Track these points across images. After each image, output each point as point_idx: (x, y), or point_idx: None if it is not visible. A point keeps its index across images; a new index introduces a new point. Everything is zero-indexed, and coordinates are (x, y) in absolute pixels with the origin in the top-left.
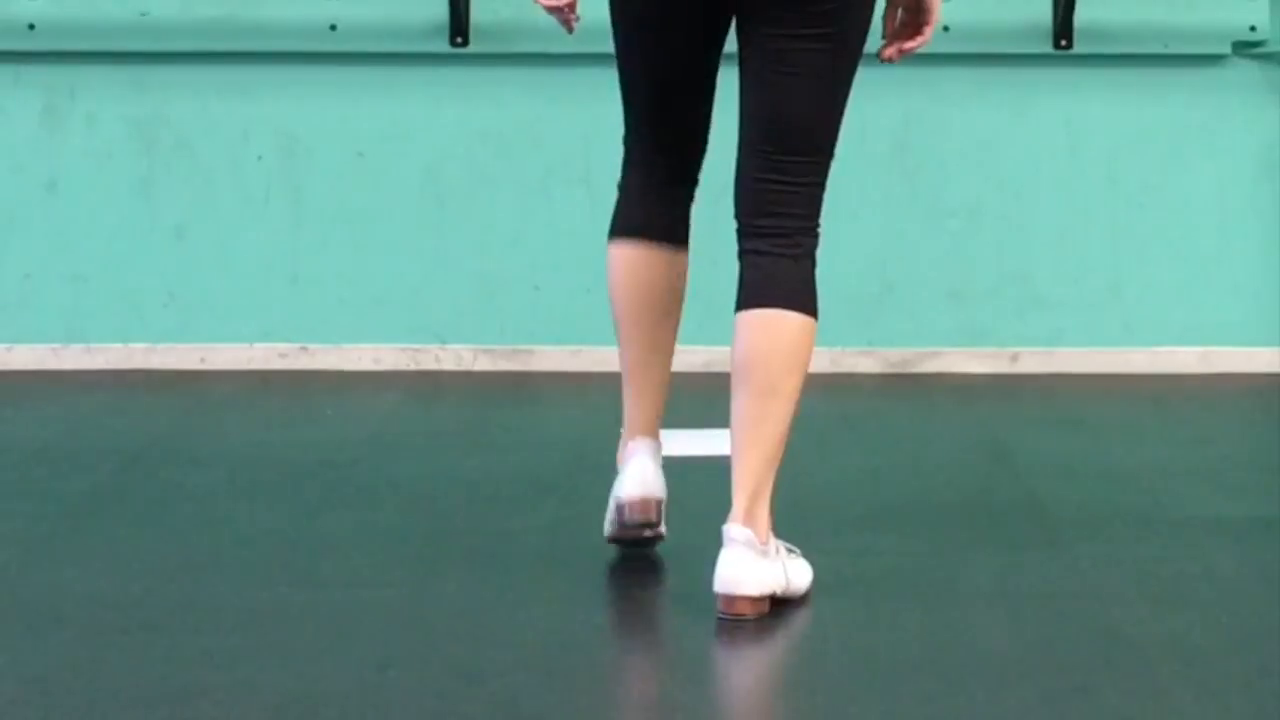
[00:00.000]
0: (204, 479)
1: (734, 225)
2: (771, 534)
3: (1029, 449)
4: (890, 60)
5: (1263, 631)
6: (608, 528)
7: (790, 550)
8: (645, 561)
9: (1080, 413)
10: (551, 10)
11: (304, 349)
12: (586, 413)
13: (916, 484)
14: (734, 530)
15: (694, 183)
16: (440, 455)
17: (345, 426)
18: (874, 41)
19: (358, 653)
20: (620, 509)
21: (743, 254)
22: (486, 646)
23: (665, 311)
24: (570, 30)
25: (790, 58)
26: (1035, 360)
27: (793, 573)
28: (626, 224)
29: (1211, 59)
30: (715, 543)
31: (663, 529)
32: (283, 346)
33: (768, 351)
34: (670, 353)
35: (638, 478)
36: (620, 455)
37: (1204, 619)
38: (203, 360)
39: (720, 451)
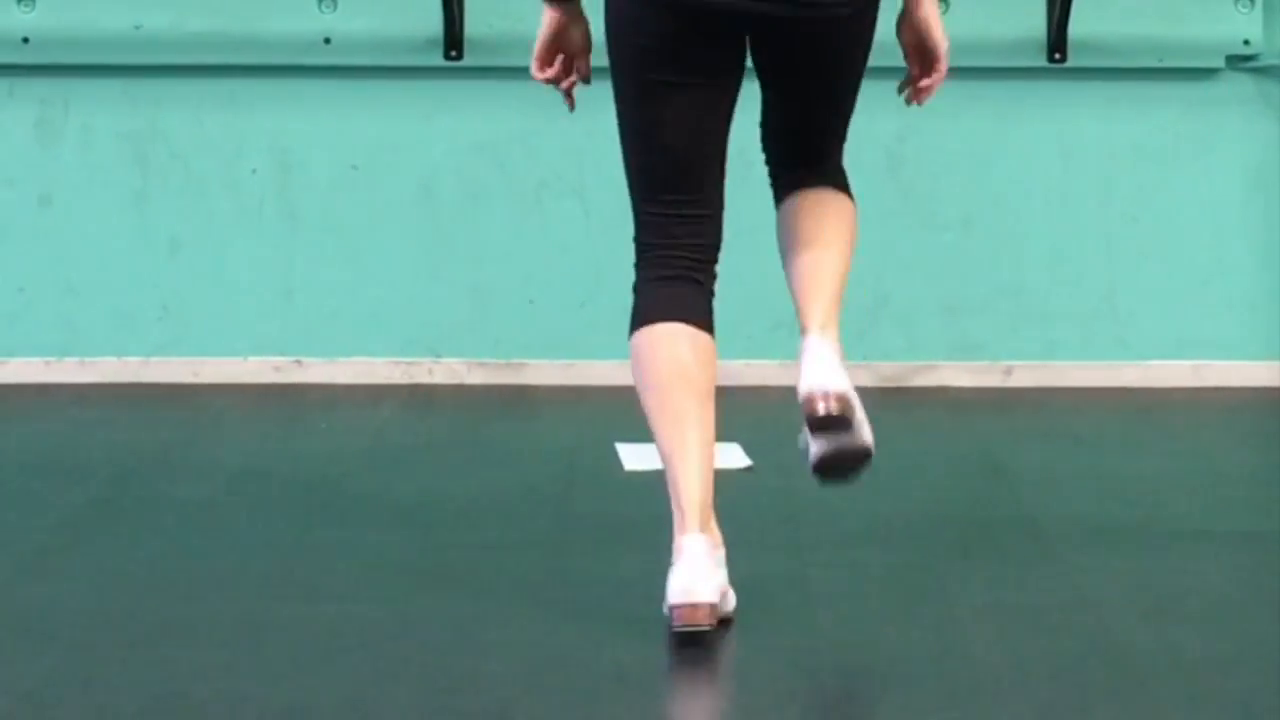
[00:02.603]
0: (197, 493)
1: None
2: None
3: (1022, 462)
4: (913, 102)
5: (1256, 645)
6: (666, 609)
7: None
8: (638, 575)
9: (1074, 426)
10: (547, 82)
11: (298, 362)
12: (580, 427)
13: (910, 497)
14: (815, 340)
15: (713, 272)
16: (433, 469)
17: (339, 440)
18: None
19: (350, 666)
20: (670, 611)
21: (777, 188)
22: (478, 659)
23: (698, 387)
24: (571, 107)
25: (811, 85)
26: (1029, 374)
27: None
28: (650, 311)
29: (1205, 73)
30: None
31: (730, 606)
32: (276, 360)
33: (807, 211)
34: (710, 433)
35: (683, 584)
36: (674, 550)
37: (1197, 632)
38: (196, 374)
39: (723, 465)
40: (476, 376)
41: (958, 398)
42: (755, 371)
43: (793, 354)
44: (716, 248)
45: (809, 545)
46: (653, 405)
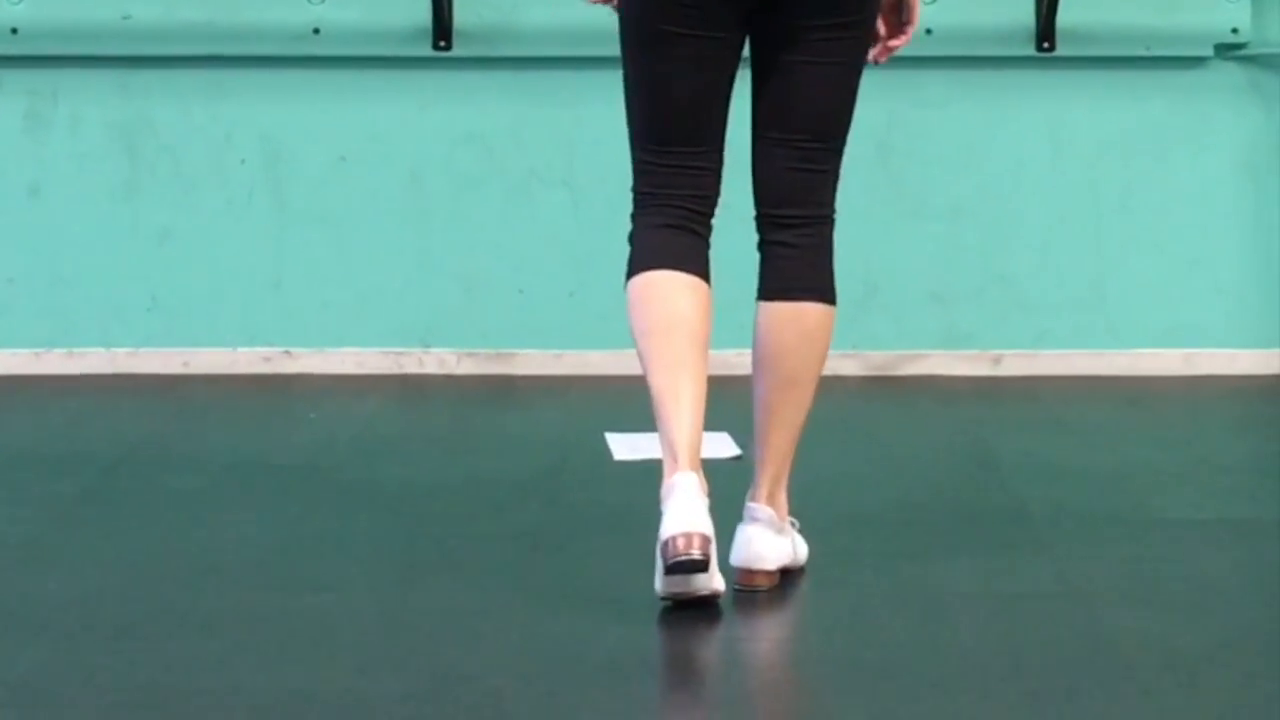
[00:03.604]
0: (187, 484)
1: (752, 215)
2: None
3: (1012, 451)
4: (875, 61)
5: (1246, 633)
6: (657, 582)
7: (793, 523)
8: (628, 564)
9: (1063, 415)
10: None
11: (287, 353)
12: (569, 416)
13: (899, 487)
14: (758, 510)
15: (710, 225)
16: (423, 459)
17: (328, 430)
18: None
19: (340, 656)
20: (662, 548)
21: (764, 244)
22: (468, 649)
23: (695, 334)
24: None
25: (818, 47)
26: (1018, 363)
27: (799, 546)
28: (649, 257)
29: (1193, 61)
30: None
31: (718, 582)
32: (266, 350)
33: (792, 344)
34: (703, 381)
35: (679, 514)
36: (663, 492)
37: (1187, 620)
38: (186, 365)
39: (712, 455)
40: (466, 367)
41: (947, 387)
42: (746, 360)
43: None
44: (715, 200)
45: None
46: (648, 350)
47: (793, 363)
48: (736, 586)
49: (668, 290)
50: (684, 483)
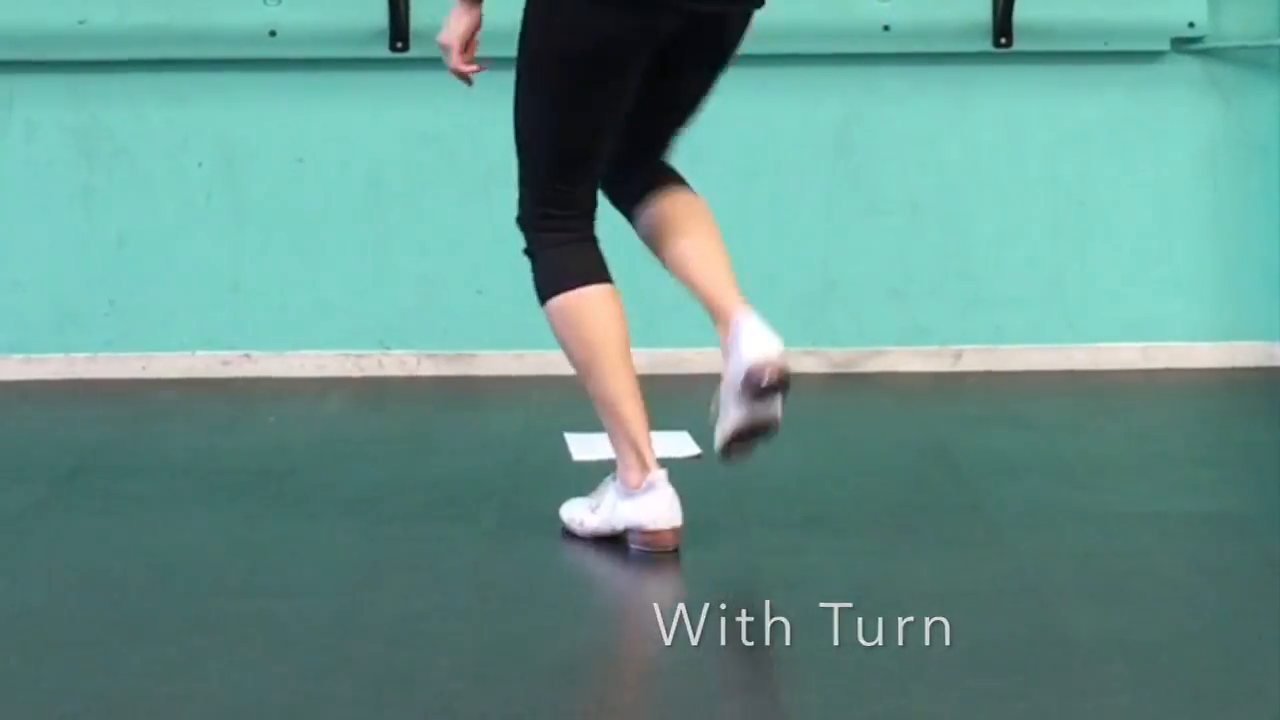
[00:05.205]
0: (146, 488)
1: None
2: None
3: (971, 447)
4: None
5: (1203, 627)
6: (631, 543)
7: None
8: (585, 566)
9: (1022, 410)
10: (456, 73)
11: (246, 356)
12: (529, 417)
13: (859, 483)
14: (744, 311)
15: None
16: (383, 461)
17: (288, 433)
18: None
19: (296, 662)
20: (637, 539)
21: (623, 188)
22: (424, 653)
23: (628, 347)
24: (469, 84)
25: (704, 82)
26: (977, 358)
27: None
28: (571, 274)
29: (1150, 55)
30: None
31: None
32: (225, 354)
33: (689, 204)
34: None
35: (668, 510)
36: (630, 482)
37: (1144, 615)
38: (144, 369)
39: (672, 454)
40: (426, 368)
41: (907, 382)
42: (704, 359)
43: None
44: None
45: (758, 533)
46: (594, 361)
47: (702, 219)
48: (764, 384)
49: (609, 304)
50: (660, 480)
